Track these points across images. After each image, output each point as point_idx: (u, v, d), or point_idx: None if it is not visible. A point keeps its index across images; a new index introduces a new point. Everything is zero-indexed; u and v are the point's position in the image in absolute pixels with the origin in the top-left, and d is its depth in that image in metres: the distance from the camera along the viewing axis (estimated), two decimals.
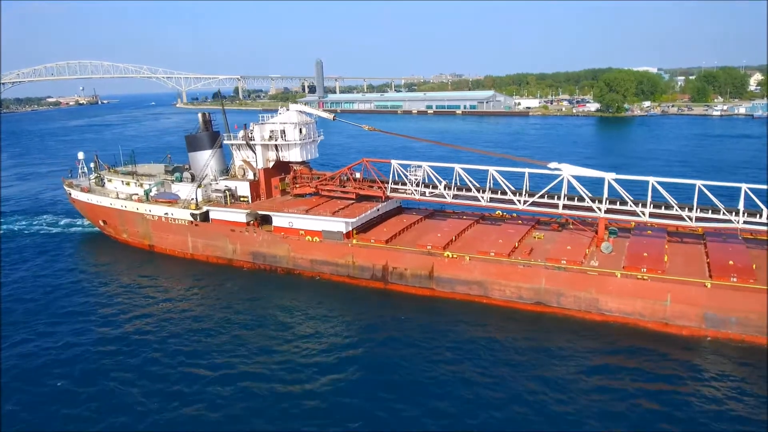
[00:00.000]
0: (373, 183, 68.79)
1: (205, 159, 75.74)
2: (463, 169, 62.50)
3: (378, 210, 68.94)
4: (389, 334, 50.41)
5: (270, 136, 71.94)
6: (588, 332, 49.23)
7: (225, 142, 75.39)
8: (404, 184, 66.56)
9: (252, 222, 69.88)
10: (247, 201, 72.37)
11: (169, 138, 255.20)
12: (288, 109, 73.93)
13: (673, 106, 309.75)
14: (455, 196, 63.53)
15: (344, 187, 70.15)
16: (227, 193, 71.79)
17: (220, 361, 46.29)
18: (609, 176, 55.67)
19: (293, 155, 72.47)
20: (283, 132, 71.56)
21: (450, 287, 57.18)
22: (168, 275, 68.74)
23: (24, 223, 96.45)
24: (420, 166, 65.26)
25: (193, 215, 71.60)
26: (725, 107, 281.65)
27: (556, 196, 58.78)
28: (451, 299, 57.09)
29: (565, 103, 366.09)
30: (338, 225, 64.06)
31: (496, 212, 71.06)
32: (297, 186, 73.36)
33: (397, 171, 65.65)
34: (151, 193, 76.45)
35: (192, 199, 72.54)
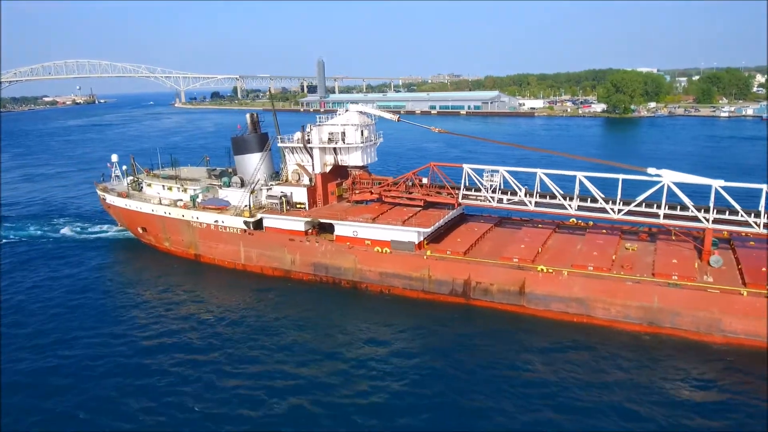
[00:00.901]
0: (442, 189, 64.24)
1: (254, 162, 70.65)
2: (546, 174, 58.16)
3: (447, 218, 64.37)
4: (477, 353, 46.53)
5: (329, 139, 67.06)
6: (709, 357, 44.88)
7: (279, 144, 70.22)
8: (477, 190, 62.19)
9: (309, 231, 65.10)
10: (304, 208, 67.43)
11: (175, 138, 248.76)
12: (348, 110, 69.00)
13: (679, 107, 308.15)
14: (537, 204, 59.16)
15: (410, 193, 65.47)
16: (283, 199, 66.76)
17: (281, 385, 41.74)
18: (717, 183, 51.35)
19: (353, 159, 67.58)
20: (343, 134, 66.67)
21: (544, 305, 52.64)
22: (220, 287, 63.77)
23: (34, 227, 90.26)
24: (497, 171, 60.80)
25: (246, 223, 66.51)
26: (732, 108, 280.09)
27: (655, 205, 54.51)
28: (544, 318, 52.58)
29: (569, 103, 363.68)
30: (410, 235, 59.41)
31: (570, 220, 66.62)
32: (356, 192, 68.37)
33: (469, 176, 61.35)
34: (198, 199, 71.20)
35: (245, 205, 67.43)
